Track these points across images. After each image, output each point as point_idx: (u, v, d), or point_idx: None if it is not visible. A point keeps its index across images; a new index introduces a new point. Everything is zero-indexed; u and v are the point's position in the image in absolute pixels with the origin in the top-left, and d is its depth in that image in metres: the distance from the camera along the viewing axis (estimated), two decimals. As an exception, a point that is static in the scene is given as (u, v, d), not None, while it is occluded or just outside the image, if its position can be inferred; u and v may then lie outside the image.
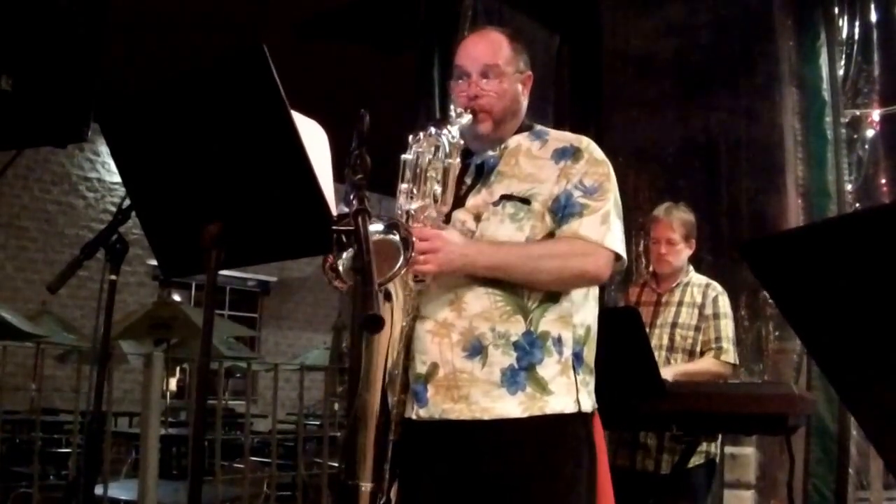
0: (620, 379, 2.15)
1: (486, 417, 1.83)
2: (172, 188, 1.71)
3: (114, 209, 2.36)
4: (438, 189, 1.89)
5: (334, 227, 1.55)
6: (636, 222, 4.40)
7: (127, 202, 1.83)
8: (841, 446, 4.07)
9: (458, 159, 1.92)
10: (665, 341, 3.16)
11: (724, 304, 3.17)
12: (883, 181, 4.36)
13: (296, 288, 14.16)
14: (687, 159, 5.00)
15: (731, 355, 3.10)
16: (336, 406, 7.10)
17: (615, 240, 1.91)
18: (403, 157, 1.91)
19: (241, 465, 5.29)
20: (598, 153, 1.98)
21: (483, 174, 1.99)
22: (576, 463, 1.87)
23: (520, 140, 2.02)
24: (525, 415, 1.83)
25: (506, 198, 1.92)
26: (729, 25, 4.88)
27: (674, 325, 3.17)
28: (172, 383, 11.20)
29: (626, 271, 3.30)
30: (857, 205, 4.35)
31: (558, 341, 1.88)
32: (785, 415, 2.60)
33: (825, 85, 4.44)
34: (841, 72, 4.44)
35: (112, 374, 6.59)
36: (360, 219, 1.47)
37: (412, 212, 1.87)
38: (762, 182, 4.65)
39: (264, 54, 1.51)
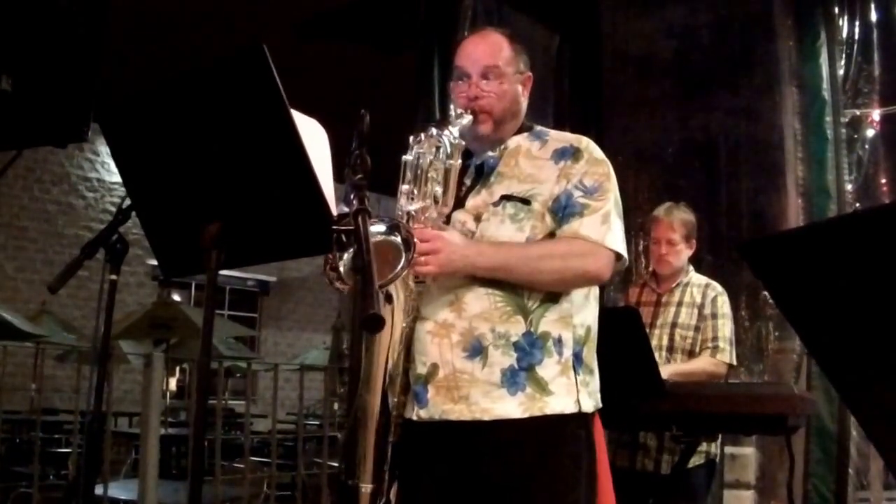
0: (620, 379, 2.15)
1: (486, 418, 1.83)
2: (172, 188, 1.71)
3: (114, 209, 2.35)
4: (439, 190, 1.89)
5: (334, 227, 1.55)
6: (636, 222, 4.40)
7: (127, 202, 1.83)
8: (841, 446, 4.07)
9: (459, 160, 1.92)
10: (665, 342, 3.17)
11: (723, 304, 3.17)
12: (883, 181, 4.36)
13: (295, 288, 14.16)
14: (687, 159, 5.00)
15: (727, 355, 3.10)
16: (336, 406, 7.11)
17: (616, 239, 1.91)
18: (404, 157, 1.91)
19: (241, 465, 5.29)
20: (598, 153, 1.98)
21: (483, 175, 1.99)
22: (576, 463, 1.87)
23: (520, 141, 2.02)
24: (525, 415, 1.82)
25: (506, 198, 1.92)
26: (729, 26, 4.88)
27: (673, 325, 3.17)
28: (172, 383, 11.20)
29: (625, 271, 3.30)
30: (857, 205, 4.34)
31: (558, 342, 1.87)
32: (785, 415, 2.60)
33: (825, 85, 4.44)
34: (841, 72, 4.44)
35: (112, 374, 6.60)
36: (360, 219, 1.47)
37: (413, 213, 1.87)
38: (762, 182, 4.65)
39: (264, 54, 1.51)
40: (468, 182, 1.99)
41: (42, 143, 2.75)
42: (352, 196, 1.55)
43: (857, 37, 4.45)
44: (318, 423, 8.60)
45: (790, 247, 1.07)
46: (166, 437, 5.92)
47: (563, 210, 1.90)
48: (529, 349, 1.85)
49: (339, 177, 1.70)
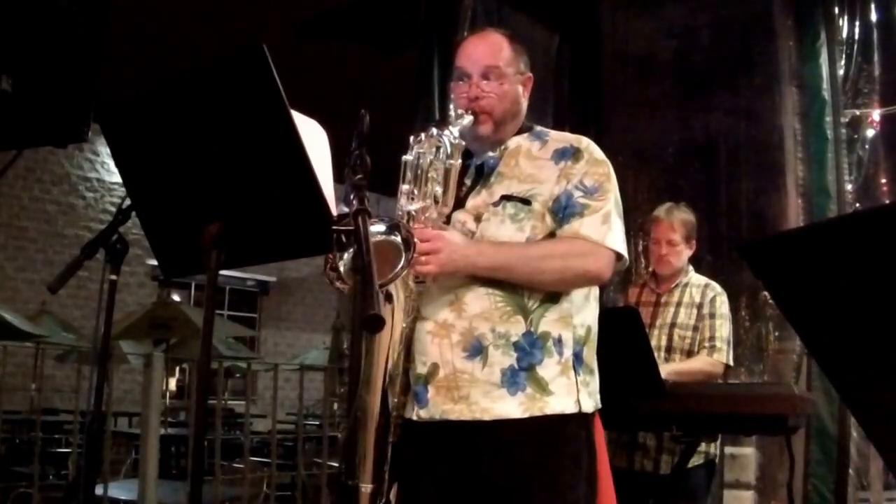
0: (620, 379, 2.15)
1: (486, 418, 1.83)
2: (172, 188, 1.71)
3: (114, 209, 2.35)
4: (439, 190, 1.89)
5: (334, 228, 1.55)
6: (636, 222, 4.40)
7: (127, 202, 1.83)
8: (841, 446, 4.06)
9: (460, 160, 1.92)
10: (664, 342, 3.16)
11: (722, 304, 3.17)
12: (883, 181, 4.35)
13: (295, 288, 14.16)
14: (687, 159, 5.00)
15: (724, 355, 3.10)
16: (336, 406, 7.10)
17: (616, 239, 1.91)
18: (404, 157, 1.91)
19: (241, 465, 5.29)
20: (598, 153, 1.98)
21: (483, 175, 1.99)
22: (576, 464, 1.87)
23: (520, 141, 2.02)
24: (525, 415, 1.83)
25: (506, 198, 1.92)
26: (729, 26, 4.88)
27: (672, 325, 3.17)
28: (172, 383, 11.21)
29: (625, 272, 3.30)
30: (857, 205, 4.34)
31: (558, 342, 1.88)
32: (785, 415, 2.59)
33: (825, 85, 4.44)
34: (841, 72, 4.44)
35: (112, 374, 6.60)
36: (360, 219, 1.47)
37: (413, 213, 1.87)
38: (762, 182, 4.65)
39: (264, 54, 1.51)
40: (468, 182, 1.99)
41: (42, 143, 2.75)
42: (352, 196, 1.55)
43: (857, 37, 4.45)
44: (317, 423, 8.59)
45: (790, 247, 1.07)
46: (166, 437, 5.93)
47: (563, 210, 1.90)
48: (529, 349, 1.85)
49: (339, 177, 1.70)
